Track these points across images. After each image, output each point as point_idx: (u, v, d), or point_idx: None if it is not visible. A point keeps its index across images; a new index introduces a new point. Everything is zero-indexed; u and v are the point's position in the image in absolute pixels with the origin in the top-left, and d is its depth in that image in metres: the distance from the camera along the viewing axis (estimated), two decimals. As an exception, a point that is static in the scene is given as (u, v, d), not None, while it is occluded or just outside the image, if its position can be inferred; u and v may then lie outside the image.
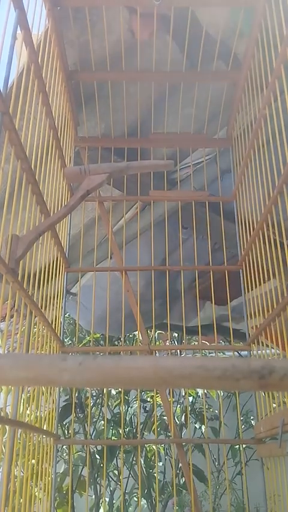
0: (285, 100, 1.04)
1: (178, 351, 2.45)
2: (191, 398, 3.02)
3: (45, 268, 1.25)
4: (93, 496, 2.56)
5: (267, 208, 1.26)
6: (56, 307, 1.43)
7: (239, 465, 2.52)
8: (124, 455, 2.32)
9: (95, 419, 2.86)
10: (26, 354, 1.09)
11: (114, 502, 2.68)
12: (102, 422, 2.65)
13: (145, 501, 2.58)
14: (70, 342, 2.97)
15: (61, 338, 1.45)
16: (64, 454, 2.59)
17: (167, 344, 3.28)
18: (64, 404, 2.28)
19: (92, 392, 2.86)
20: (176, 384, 0.31)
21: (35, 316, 1.16)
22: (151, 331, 2.10)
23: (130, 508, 2.77)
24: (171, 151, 1.70)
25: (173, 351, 2.36)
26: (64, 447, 2.53)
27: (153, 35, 1.31)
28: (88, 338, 2.87)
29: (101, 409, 2.90)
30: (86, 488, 2.21)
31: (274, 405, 1.36)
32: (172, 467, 1.60)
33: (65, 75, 1.39)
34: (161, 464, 2.80)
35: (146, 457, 2.70)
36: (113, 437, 2.74)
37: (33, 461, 1.15)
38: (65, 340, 2.87)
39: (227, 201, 1.67)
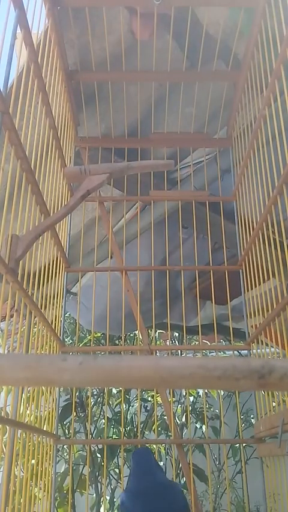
0: (285, 101, 1.04)
1: (179, 351, 2.46)
2: (191, 398, 3.02)
3: (45, 268, 1.26)
4: (94, 495, 2.56)
5: (267, 208, 1.26)
6: (56, 306, 1.43)
7: (239, 464, 2.52)
8: (125, 454, 2.32)
9: (95, 418, 2.86)
10: (26, 354, 1.09)
11: (115, 500, 2.68)
12: (103, 420, 2.65)
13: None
14: (71, 341, 2.97)
15: (61, 338, 1.45)
16: (65, 454, 2.59)
17: (167, 343, 3.28)
18: (65, 404, 2.28)
19: (93, 391, 2.86)
20: (177, 384, 0.31)
21: (35, 317, 1.16)
22: (151, 330, 2.10)
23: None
24: (172, 150, 1.70)
25: (174, 351, 2.36)
26: (65, 446, 2.53)
27: (154, 35, 1.31)
28: (89, 337, 2.87)
29: (101, 408, 2.91)
30: (86, 487, 2.21)
31: (274, 404, 1.36)
32: (173, 467, 1.60)
33: (65, 75, 1.39)
34: (161, 464, 2.80)
35: (146, 457, 2.69)
36: (113, 436, 2.74)
37: (33, 461, 1.16)
38: (66, 339, 2.87)
39: (227, 201, 1.67)
